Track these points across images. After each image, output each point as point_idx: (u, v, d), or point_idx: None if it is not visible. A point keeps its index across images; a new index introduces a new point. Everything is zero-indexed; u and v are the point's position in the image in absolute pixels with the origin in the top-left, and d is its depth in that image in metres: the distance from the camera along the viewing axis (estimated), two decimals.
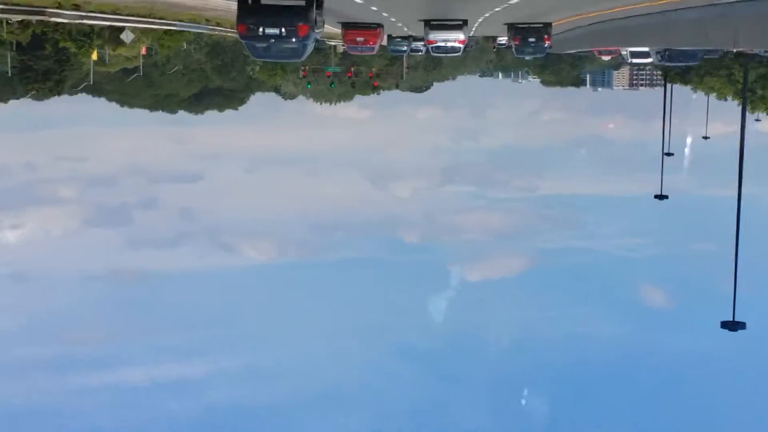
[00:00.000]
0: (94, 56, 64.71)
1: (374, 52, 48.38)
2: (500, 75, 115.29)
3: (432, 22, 40.71)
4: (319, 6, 25.76)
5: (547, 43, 41.59)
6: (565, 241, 79.12)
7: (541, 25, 40.93)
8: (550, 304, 67.63)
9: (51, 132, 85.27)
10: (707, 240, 66.46)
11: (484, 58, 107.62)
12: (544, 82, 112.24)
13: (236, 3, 25.09)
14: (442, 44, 41.35)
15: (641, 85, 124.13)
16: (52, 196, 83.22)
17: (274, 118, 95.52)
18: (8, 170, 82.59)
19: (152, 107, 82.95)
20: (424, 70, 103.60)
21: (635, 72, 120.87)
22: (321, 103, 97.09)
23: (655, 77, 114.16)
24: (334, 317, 64.01)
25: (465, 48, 46.00)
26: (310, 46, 26.16)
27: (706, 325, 47.55)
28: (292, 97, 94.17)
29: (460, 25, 40.25)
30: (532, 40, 41.10)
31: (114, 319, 64.33)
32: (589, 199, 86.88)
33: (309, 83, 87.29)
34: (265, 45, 24.95)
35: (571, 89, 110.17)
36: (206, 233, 78.87)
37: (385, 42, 54.33)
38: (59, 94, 65.18)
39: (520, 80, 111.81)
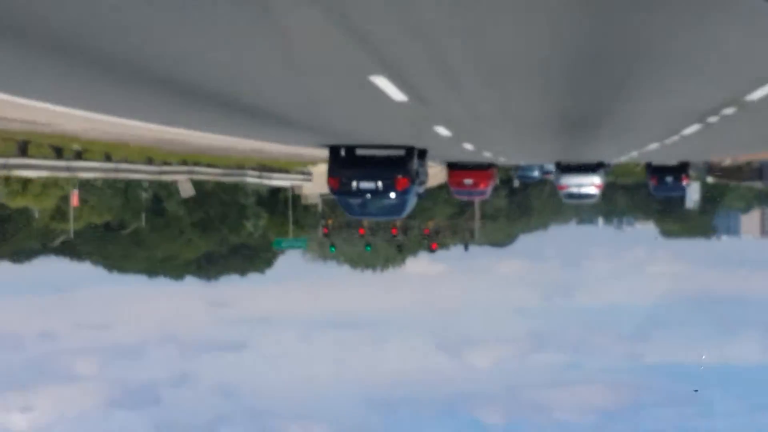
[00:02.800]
0: None
1: (486, 197, 47.34)
2: (601, 221, 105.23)
3: (563, 165, 39.82)
4: (422, 156, 25.09)
5: (684, 182, 42.60)
6: (679, 419, 72.01)
7: (678, 165, 41.74)
8: None
9: (44, 298, 75.77)
10: None
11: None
12: (666, 232, 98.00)
13: (328, 154, 24.06)
14: (576, 190, 40.35)
15: None
16: (65, 371, 74.22)
17: (316, 279, 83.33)
18: (10, 342, 73.63)
19: (149, 272, 68.40)
20: (507, 220, 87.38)
21: None
22: (361, 270, 79.50)
23: None
24: None
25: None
26: (412, 201, 25.44)
27: None
28: (322, 259, 76.93)
29: (595, 167, 39.50)
30: (669, 179, 41.90)
31: None
32: (709, 369, 77.22)
33: (333, 246, 65.92)
34: (360, 201, 24.22)
35: (696, 240, 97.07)
36: (247, 415, 71.21)
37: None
38: None
39: (623, 227, 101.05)
